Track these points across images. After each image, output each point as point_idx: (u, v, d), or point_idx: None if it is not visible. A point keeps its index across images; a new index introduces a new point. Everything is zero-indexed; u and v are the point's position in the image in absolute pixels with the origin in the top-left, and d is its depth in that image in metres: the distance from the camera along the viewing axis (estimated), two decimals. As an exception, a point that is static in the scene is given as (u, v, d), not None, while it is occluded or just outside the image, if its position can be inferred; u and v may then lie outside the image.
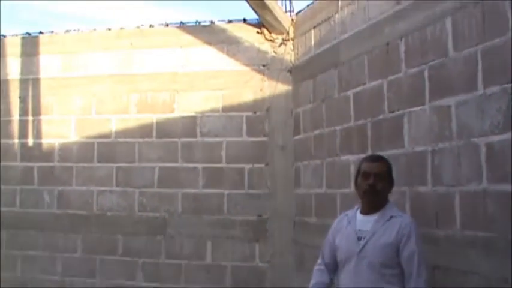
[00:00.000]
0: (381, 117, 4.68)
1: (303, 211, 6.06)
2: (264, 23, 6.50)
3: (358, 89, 5.08)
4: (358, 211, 3.81)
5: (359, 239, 3.65)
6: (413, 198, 4.19)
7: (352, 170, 5.02)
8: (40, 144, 7.24)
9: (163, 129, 6.80)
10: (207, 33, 6.85)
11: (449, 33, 3.89)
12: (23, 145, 7.32)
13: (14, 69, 7.44)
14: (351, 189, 4.93)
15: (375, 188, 3.68)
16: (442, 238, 3.81)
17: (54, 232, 7.06)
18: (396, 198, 3.99)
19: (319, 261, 4.05)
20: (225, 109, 6.64)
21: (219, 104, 6.66)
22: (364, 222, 3.71)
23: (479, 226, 3.48)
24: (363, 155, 4.65)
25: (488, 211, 3.42)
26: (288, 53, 6.51)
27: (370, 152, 4.69)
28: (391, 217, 3.63)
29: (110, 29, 7.24)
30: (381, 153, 4.20)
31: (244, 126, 6.56)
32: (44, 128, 7.25)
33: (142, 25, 7.11)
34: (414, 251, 3.48)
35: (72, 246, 6.96)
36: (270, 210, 6.41)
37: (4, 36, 7.58)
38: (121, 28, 7.19)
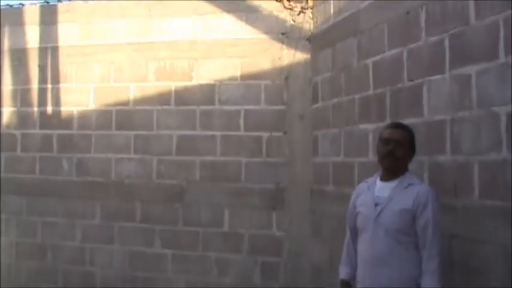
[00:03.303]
0: (400, 86, 4.65)
1: (321, 180, 6.07)
2: (283, -10, 6.46)
3: (378, 57, 5.03)
4: (378, 178, 3.81)
5: (376, 205, 3.66)
6: (431, 167, 4.17)
7: (371, 138, 5.01)
8: (59, 112, 7.29)
9: (182, 97, 6.80)
10: (225, 1, 6.81)
11: (471, 1, 3.83)
12: (42, 113, 7.37)
13: (32, 37, 7.46)
14: (369, 158, 4.95)
15: (394, 154, 3.66)
16: (460, 207, 3.79)
17: (73, 199, 7.15)
18: (415, 167, 3.97)
19: (347, 235, 4.03)
20: (244, 77, 6.62)
21: (237, 73, 6.64)
22: (382, 188, 3.71)
23: (498, 195, 3.46)
24: (381, 124, 4.64)
25: (507, 180, 3.39)
26: (307, 22, 6.46)
27: (389, 121, 4.65)
28: (409, 185, 3.63)
29: (128, -3, 7.22)
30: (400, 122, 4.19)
31: (263, 95, 6.54)
32: (63, 96, 7.28)
33: (160, -7, 7.08)
34: (429, 220, 3.47)
35: (91, 213, 7.04)
36: (288, 179, 6.42)
37: (23, 5, 7.60)
38: (140, -4, 7.16)
